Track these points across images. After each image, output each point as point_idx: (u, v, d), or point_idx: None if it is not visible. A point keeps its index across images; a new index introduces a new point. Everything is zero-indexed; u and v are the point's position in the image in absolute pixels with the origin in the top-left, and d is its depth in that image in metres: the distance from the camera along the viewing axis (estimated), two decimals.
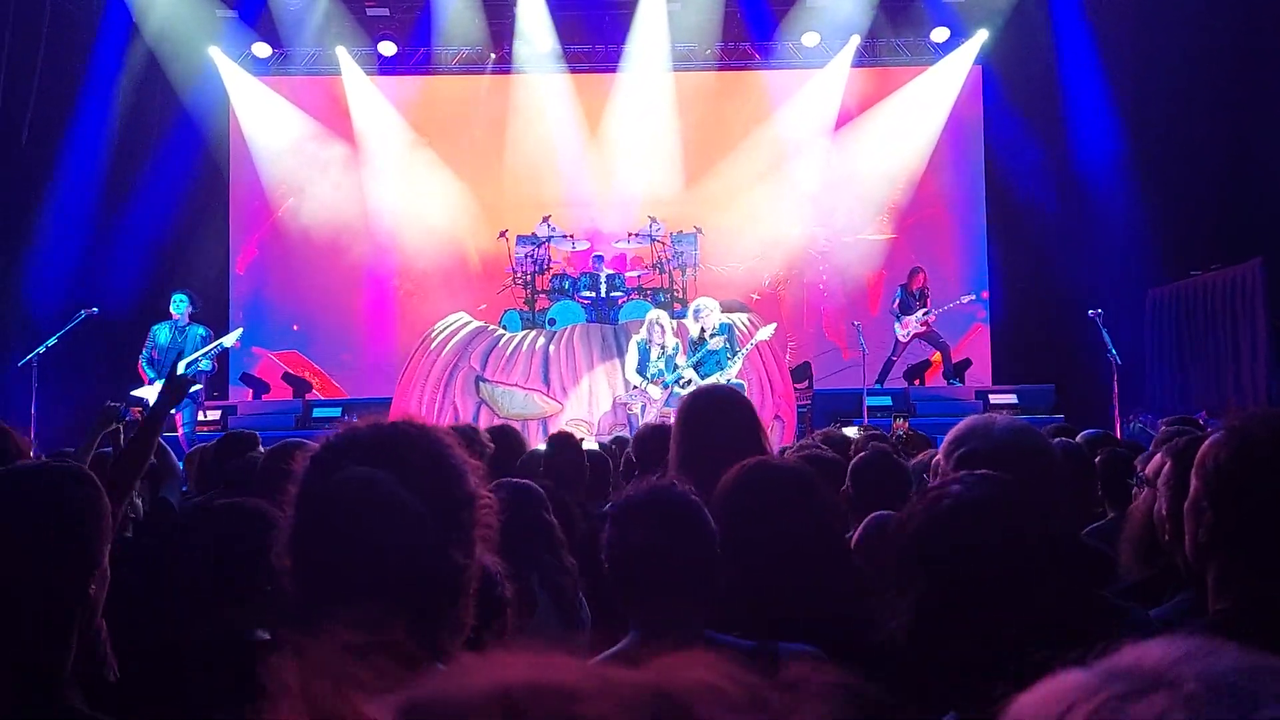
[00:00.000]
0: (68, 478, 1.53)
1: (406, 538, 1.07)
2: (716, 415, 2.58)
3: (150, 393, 8.29)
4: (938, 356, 11.30)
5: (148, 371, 8.59)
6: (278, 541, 1.16)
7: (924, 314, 10.78)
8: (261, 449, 4.43)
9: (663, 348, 8.89)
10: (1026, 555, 1.33)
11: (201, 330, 8.82)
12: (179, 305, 8.62)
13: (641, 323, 9.15)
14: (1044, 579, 1.32)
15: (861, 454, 3.30)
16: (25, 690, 1.41)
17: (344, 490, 1.09)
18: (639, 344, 8.96)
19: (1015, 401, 10.43)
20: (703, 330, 8.95)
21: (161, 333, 8.72)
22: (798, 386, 10.91)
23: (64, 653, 1.46)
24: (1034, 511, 1.39)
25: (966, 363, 11.81)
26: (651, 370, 8.88)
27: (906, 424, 7.46)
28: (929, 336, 11.01)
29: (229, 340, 8.92)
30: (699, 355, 8.88)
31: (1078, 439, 3.84)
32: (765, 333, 9.14)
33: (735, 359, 8.84)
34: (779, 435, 9.72)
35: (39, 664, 1.44)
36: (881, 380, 11.02)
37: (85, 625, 1.51)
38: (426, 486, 1.11)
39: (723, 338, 8.87)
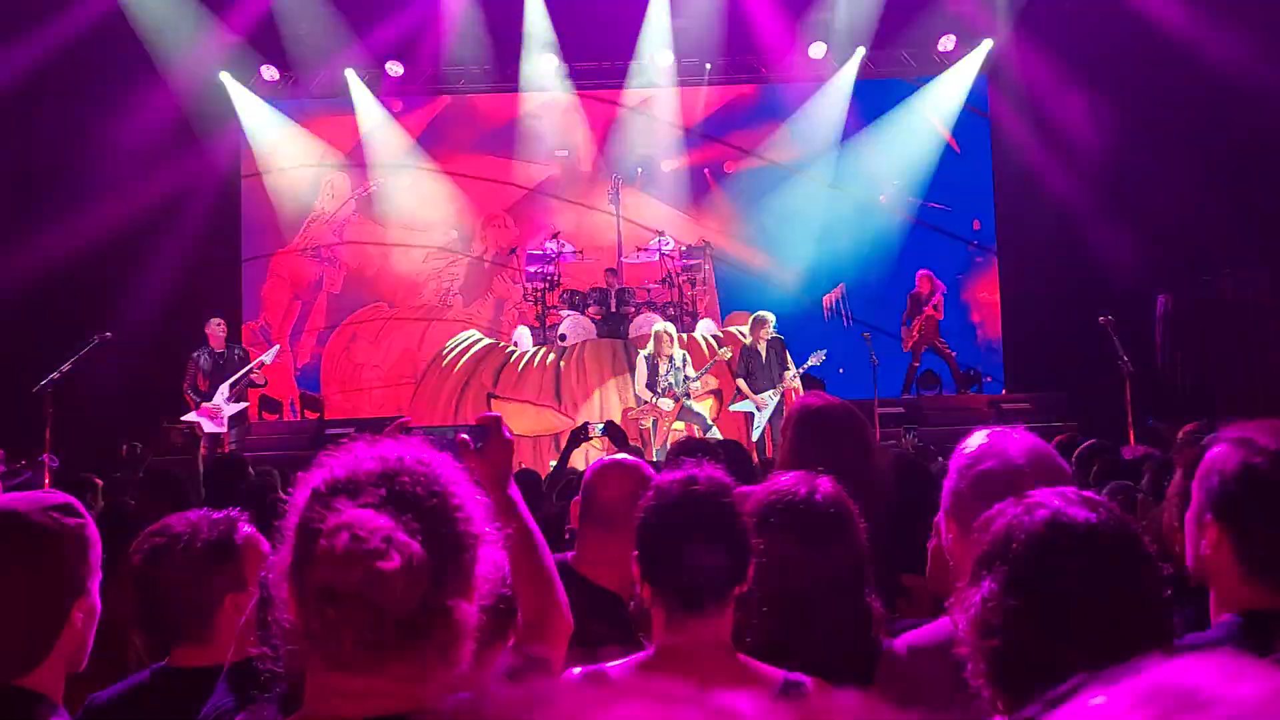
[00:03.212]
0: (54, 508, 1.53)
1: (400, 594, 1.05)
2: (833, 432, 2.52)
3: (198, 417, 8.61)
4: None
5: (194, 397, 8.83)
6: (276, 568, 1.15)
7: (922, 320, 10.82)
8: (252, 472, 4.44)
9: (670, 360, 8.90)
10: (1134, 592, 1.22)
11: (240, 350, 9.09)
12: (217, 332, 8.92)
13: (648, 337, 9.18)
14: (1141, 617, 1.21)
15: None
16: (22, 715, 1.42)
17: (339, 543, 1.06)
18: (645, 358, 8.98)
19: (1028, 409, 10.39)
20: (753, 342, 9.09)
21: (203, 359, 9.00)
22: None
23: (49, 679, 1.46)
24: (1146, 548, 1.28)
25: (976, 374, 11.78)
26: (662, 384, 8.89)
27: (913, 438, 7.43)
28: (934, 346, 10.99)
29: (268, 357, 9.26)
30: (746, 365, 9.07)
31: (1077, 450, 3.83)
32: (815, 358, 9.26)
33: (788, 372, 9.03)
34: None
35: (23, 693, 1.44)
36: (907, 389, 11.04)
37: (73, 655, 1.51)
38: (425, 530, 1.09)
39: (718, 362, 9.04)
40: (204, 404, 8.78)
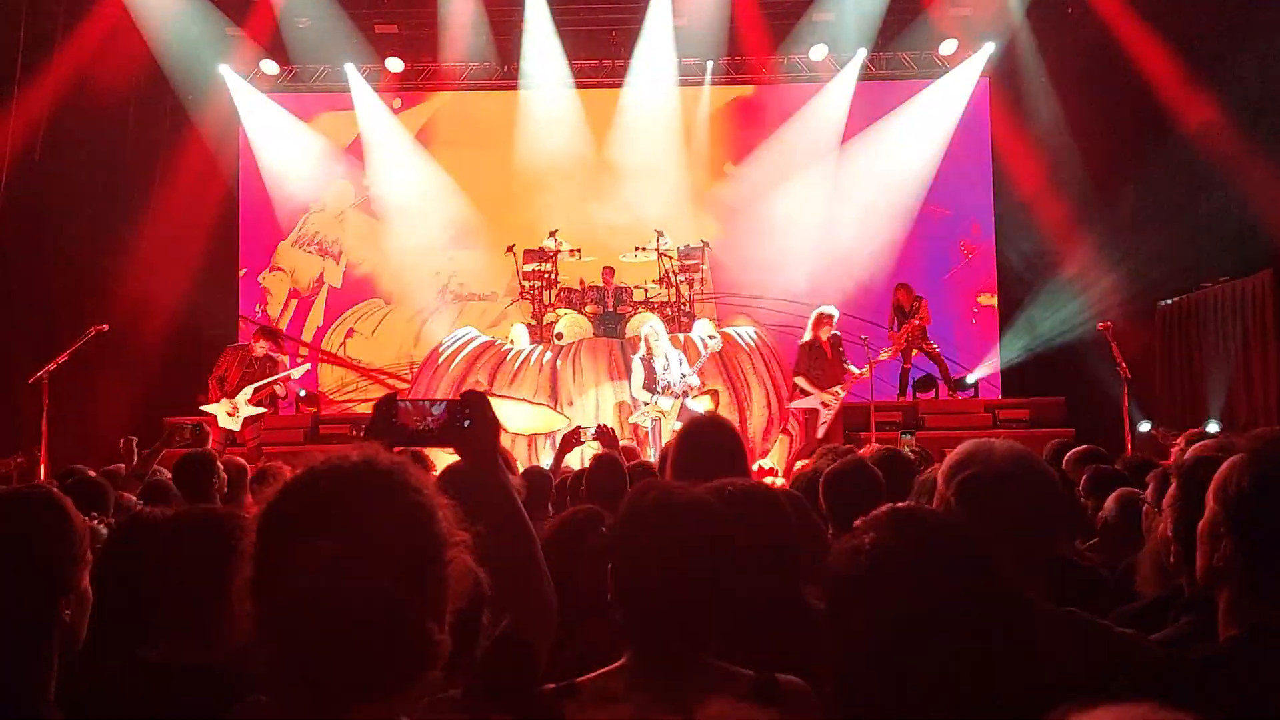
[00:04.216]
0: (36, 502, 1.52)
1: (372, 620, 1.02)
2: (708, 441, 2.56)
3: (217, 409, 8.96)
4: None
5: (219, 389, 9.19)
6: (237, 580, 1.11)
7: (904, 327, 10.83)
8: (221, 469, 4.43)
9: (665, 358, 8.89)
10: (968, 607, 1.16)
11: (270, 363, 9.46)
12: (259, 349, 9.33)
13: (640, 338, 9.17)
14: (985, 630, 1.15)
15: (833, 466, 3.24)
16: (4, 714, 1.41)
17: (303, 575, 1.03)
18: (639, 360, 8.97)
19: (1025, 415, 10.40)
20: (814, 339, 9.07)
21: (240, 356, 9.37)
22: None
23: (42, 675, 1.46)
24: (973, 555, 1.22)
25: (963, 382, 11.80)
26: (660, 383, 8.87)
27: (910, 440, 7.41)
28: (922, 349, 11.00)
29: (296, 373, 9.92)
30: (810, 361, 9.08)
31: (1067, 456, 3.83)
32: (885, 353, 9.34)
33: (853, 369, 9.11)
34: (787, 449, 9.70)
35: (16, 687, 1.43)
36: (902, 392, 11.06)
37: (64, 648, 1.50)
38: (392, 545, 1.06)
39: (710, 355, 9.09)
40: (225, 398, 9.10)
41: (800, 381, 9.08)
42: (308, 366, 11.10)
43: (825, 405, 8.90)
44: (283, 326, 13.15)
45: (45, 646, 1.46)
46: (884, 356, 9.24)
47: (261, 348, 9.34)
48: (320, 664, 1.03)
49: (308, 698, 1.04)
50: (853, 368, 9.11)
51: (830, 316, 9.18)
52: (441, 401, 1.60)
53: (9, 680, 1.42)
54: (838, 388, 8.97)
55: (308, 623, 1.03)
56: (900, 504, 1.31)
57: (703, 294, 11.57)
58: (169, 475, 4.68)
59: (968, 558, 1.20)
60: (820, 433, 8.74)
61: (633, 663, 1.60)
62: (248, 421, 9.10)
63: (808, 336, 9.30)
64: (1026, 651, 1.15)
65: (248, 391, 9.04)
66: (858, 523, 1.26)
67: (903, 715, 1.11)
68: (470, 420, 1.56)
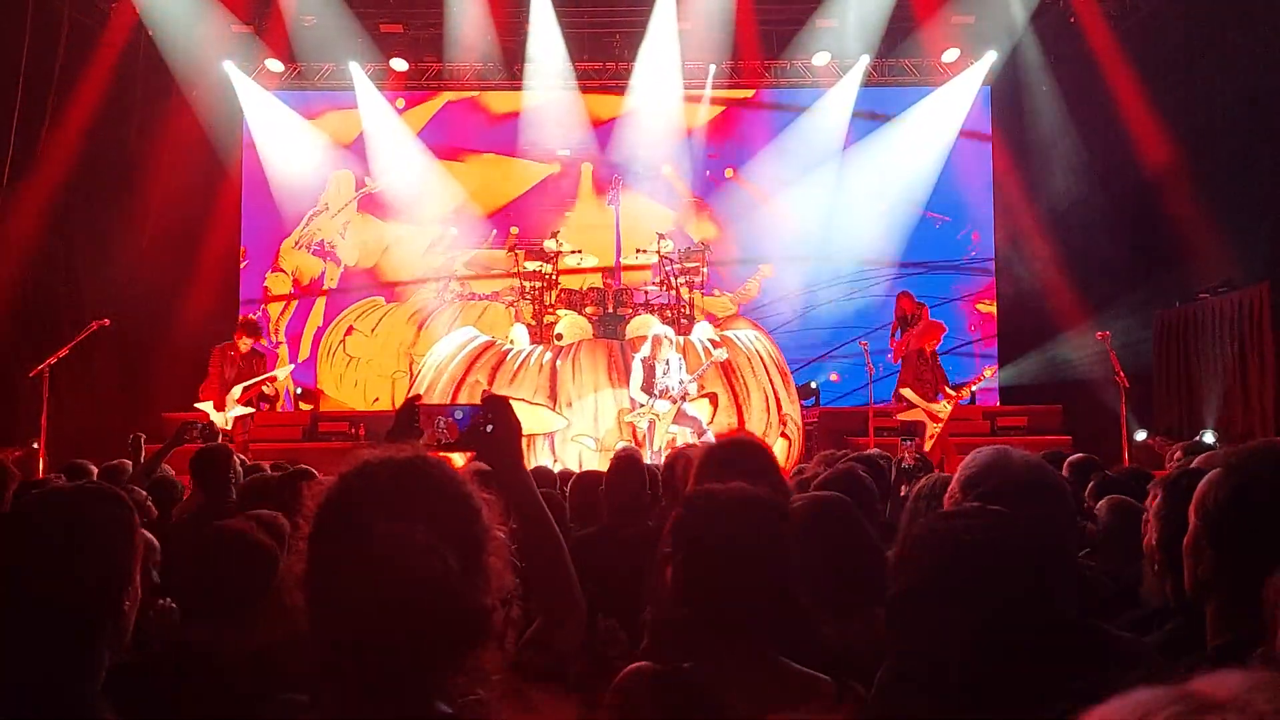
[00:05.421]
0: (100, 499, 1.57)
1: (439, 595, 1.06)
2: (735, 461, 2.54)
3: (209, 408, 9.12)
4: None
5: (215, 389, 9.32)
6: (288, 577, 1.14)
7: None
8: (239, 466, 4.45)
9: (667, 363, 8.89)
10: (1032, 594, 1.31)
11: (258, 362, 9.50)
12: (244, 344, 9.32)
13: (644, 339, 9.18)
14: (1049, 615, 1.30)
15: (828, 470, 3.25)
16: (58, 703, 1.44)
17: (368, 553, 1.06)
18: (641, 361, 8.97)
19: (1023, 422, 10.42)
20: (918, 346, 8.99)
21: (228, 356, 9.37)
22: (805, 405, 10.90)
23: (97, 665, 1.50)
24: (1039, 544, 1.36)
25: (967, 388, 11.81)
26: (658, 387, 8.88)
27: (911, 446, 7.41)
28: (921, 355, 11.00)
29: (281, 373, 10.00)
30: (917, 372, 8.93)
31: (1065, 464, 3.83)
32: (989, 370, 9.19)
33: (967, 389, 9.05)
34: (784, 454, 9.70)
35: (73, 676, 1.47)
36: (899, 400, 11.07)
37: (117, 639, 1.54)
38: (448, 532, 1.11)
39: (712, 364, 8.99)
40: (205, 401, 9.21)
41: (907, 393, 8.91)
42: (291, 366, 11.28)
43: (934, 418, 8.76)
44: (283, 325, 13.17)
45: (104, 635, 1.51)
46: (988, 374, 9.23)
47: (246, 343, 9.35)
48: (385, 641, 1.06)
49: (364, 685, 1.07)
50: (950, 390, 8.98)
51: (941, 328, 9.11)
52: (464, 406, 1.61)
53: (71, 663, 1.46)
54: (945, 402, 8.87)
55: (372, 600, 1.06)
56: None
57: (702, 295, 11.58)
58: (172, 472, 4.71)
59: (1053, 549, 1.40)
60: (928, 446, 8.58)
61: (711, 661, 1.58)
62: (237, 420, 9.16)
63: (912, 346, 9.21)
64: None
65: (236, 391, 9.13)
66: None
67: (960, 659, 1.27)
68: (493, 425, 1.57)
